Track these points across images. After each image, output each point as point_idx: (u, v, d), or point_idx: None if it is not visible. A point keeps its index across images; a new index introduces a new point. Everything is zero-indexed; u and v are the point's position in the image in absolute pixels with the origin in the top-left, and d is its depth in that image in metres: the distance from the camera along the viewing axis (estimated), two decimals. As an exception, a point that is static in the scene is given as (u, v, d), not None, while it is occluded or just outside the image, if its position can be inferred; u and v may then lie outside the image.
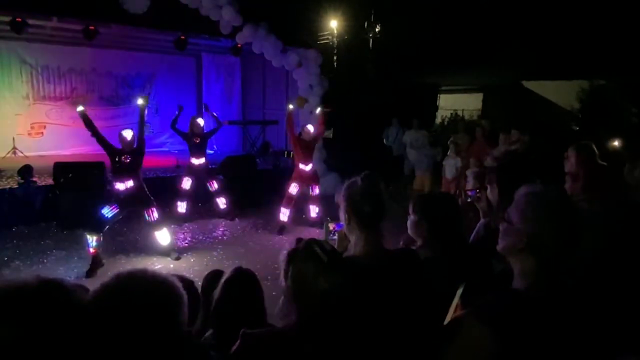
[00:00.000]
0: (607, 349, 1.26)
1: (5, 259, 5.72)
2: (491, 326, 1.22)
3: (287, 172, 10.35)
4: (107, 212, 5.44)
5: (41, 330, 0.98)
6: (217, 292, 2.07)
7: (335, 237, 2.07)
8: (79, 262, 5.70)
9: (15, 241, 6.37)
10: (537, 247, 1.29)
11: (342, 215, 1.77)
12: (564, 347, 1.23)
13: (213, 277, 2.48)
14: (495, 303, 1.31)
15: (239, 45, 9.91)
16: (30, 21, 7.99)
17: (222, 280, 2.11)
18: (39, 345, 0.97)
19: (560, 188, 2.43)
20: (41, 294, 1.01)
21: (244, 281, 2.10)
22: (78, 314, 1.02)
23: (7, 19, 7.78)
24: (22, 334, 0.96)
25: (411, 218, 2.07)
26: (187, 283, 1.89)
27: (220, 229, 7.39)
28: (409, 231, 2.10)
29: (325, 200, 7.54)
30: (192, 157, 7.51)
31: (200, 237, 6.96)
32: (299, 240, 1.45)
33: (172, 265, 5.72)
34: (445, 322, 1.55)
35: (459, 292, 1.77)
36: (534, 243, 1.29)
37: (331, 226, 2.13)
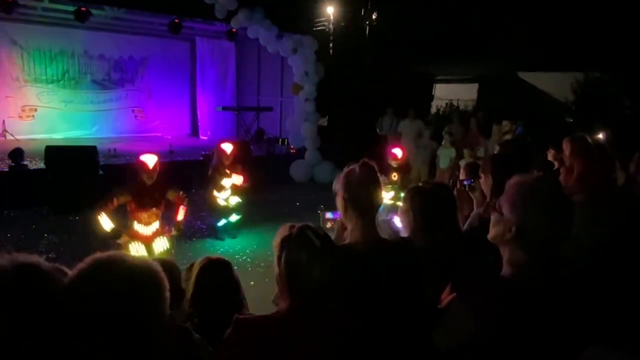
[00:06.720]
0: (585, 340, 1.28)
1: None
2: (474, 311, 1.27)
3: (281, 159, 10.37)
4: None
5: (16, 315, 0.95)
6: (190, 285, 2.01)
7: (329, 225, 2.06)
8: (70, 246, 5.67)
9: (6, 225, 6.31)
10: (524, 238, 1.30)
11: (339, 204, 1.77)
12: (542, 335, 1.25)
13: (192, 266, 2.45)
14: (481, 289, 1.34)
15: (234, 30, 9.80)
16: (21, 1, 7.83)
17: (194, 272, 2.03)
18: (13, 331, 0.94)
19: (553, 179, 2.45)
20: (17, 279, 0.98)
21: (213, 271, 2.03)
22: (55, 298, 0.99)
23: (-4, -2, 7.64)
24: None
25: (401, 206, 2.08)
26: (169, 266, 1.86)
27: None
28: (399, 218, 2.10)
29: (320, 189, 7.56)
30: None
31: (194, 223, 6.94)
32: (292, 226, 1.44)
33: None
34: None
35: None
36: (521, 233, 1.30)
37: (326, 215, 2.12)
